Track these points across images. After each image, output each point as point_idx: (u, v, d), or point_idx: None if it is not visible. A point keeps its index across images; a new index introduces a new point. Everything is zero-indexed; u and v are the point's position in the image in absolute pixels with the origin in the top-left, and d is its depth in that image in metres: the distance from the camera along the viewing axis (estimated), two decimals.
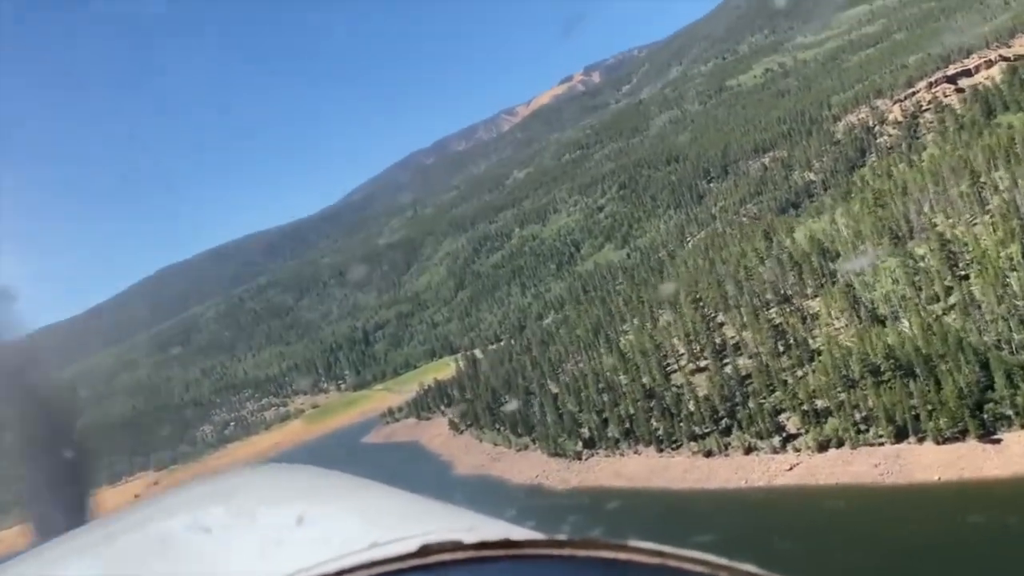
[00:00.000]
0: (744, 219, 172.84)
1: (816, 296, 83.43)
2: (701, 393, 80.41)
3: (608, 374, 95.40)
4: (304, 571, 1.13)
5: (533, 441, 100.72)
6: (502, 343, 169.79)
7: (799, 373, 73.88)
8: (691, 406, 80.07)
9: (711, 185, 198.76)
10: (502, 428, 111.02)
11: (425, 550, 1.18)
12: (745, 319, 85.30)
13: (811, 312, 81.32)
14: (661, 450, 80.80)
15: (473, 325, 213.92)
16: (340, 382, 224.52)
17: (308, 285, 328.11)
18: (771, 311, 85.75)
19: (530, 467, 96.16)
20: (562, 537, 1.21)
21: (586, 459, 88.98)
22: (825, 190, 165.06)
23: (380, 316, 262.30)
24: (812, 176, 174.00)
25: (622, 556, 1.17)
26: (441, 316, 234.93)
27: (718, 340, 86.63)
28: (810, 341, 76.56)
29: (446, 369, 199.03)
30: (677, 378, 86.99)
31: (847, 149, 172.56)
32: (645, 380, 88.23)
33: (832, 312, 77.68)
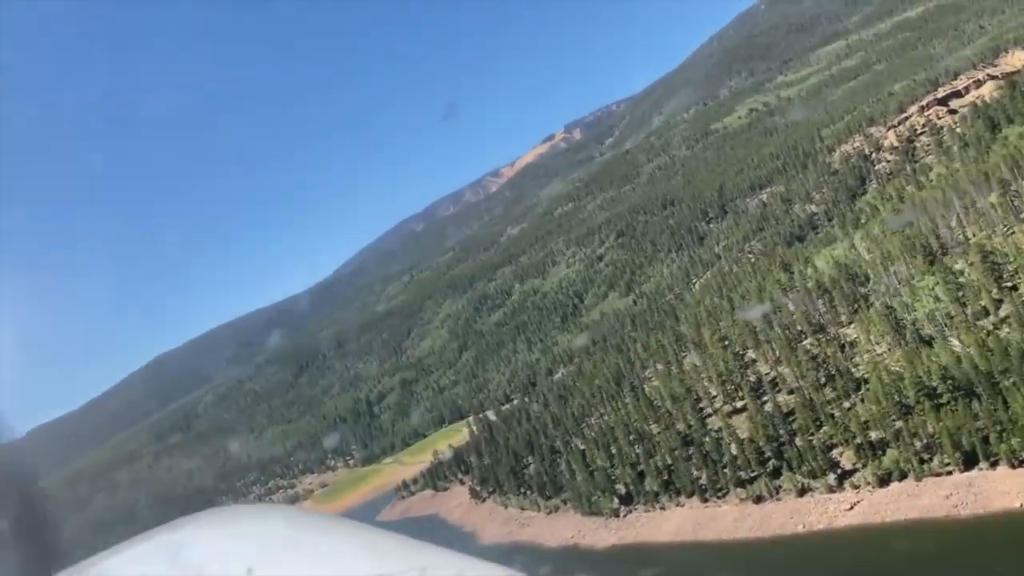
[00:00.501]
0: (750, 256, 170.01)
1: (851, 323, 79.38)
2: (742, 435, 75.55)
3: (637, 424, 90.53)
4: None
5: (564, 502, 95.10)
6: (515, 402, 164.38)
7: (846, 404, 69.27)
8: (733, 450, 75.07)
9: (711, 225, 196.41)
10: (528, 492, 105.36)
11: None
12: (779, 353, 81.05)
13: (848, 340, 77.16)
14: (705, 500, 75.46)
15: (481, 386, 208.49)
16: (348, 458, 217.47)
17: (307, 360, 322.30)
18: (805, 342, 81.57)
19: (563, 529, 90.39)
20: None
21: (624, 516, 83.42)
22: (829, 220, 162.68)
23: (383, 385, 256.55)
24: (814, 208, 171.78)
25: None
26: (447, 379, 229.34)
27: (752, 378, 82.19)
28: (852, 370, 72.18)
29: (457, 435, 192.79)
30: (713, 422, 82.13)
31: (846, 178, 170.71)
32: (679, 427, 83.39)
33: (872, 337, 73.51)
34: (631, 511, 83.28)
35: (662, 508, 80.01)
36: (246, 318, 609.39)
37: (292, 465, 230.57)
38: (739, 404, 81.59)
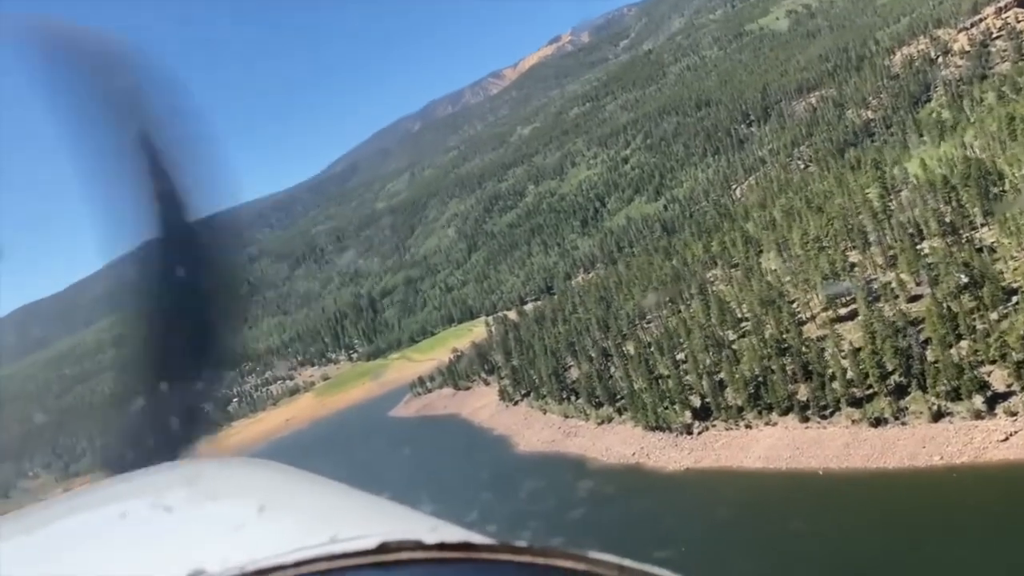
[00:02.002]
0: (799, 161, 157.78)
1: (985, 225, 68.37)
2: (854, 346, 65.19)
3: (710, 329, 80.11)
4: (262, 560, 1.10)
5: (619, 412, 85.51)
6: (540, 302, 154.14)
7: (993, 316, 58.81)
8: (843, 362, 64.87)
9: (751, 129, 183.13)
10: (571, 397, 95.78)
11: (384, 547, 1.16)
12: (892, 254, 70.10)
13: (986, 244, 66.25)
14: (806, 419, 65.66)
15: (493, 287, 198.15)
16: (351, 351, 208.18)
17: (304, 254, 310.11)
18: (923, 245, 70.65)
19: (620, 443, 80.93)
20: (522, 544, 1.19)
21: (699, 433, 73.81)
22: (887, 127, 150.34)
23: (387, 282, 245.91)
24: (870, 114, 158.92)
25: (581, 567, 1.14)
26: (455, 279, 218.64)
27: (860, 282, 71.34)
28: (998, 277, 61.42)
29: (469, 335, 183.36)
30: (810, 330, 71.79)
31: (908, 83, 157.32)
32: (769, 333, 72.90)
33: (1022, 241, 62.58)
34: (707, 428, 73.62)
35: (748, 426, 70.29)
36: (234, 209, 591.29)
37: (289, 356, 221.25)
38: (843, 311, 71.03)
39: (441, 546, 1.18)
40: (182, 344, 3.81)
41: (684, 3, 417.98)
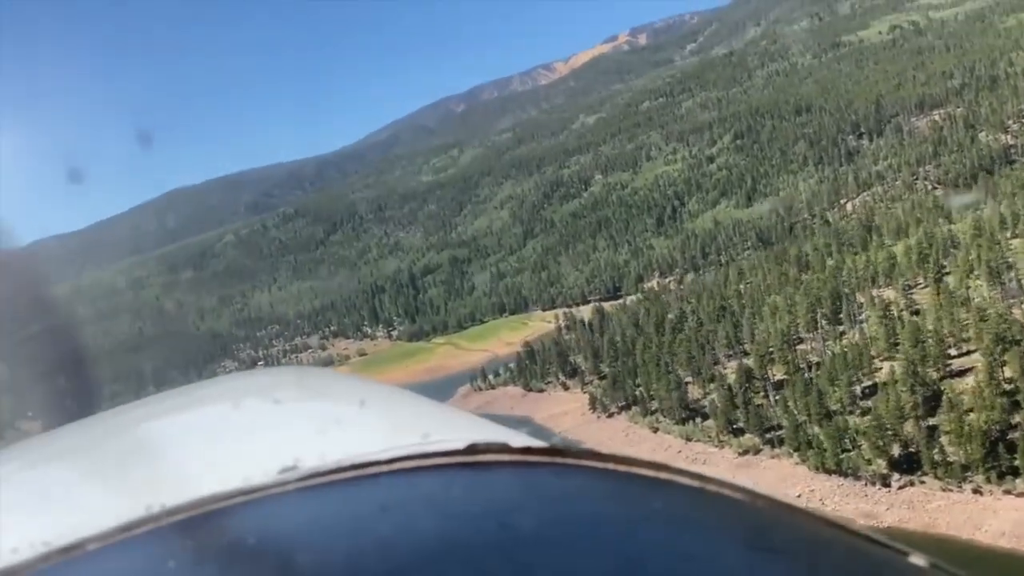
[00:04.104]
0: (925, 182, 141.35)
1: None
2: None
3: (907, 362, 64.15)
4: (356, 456, 1.14)
5: (769, 444, 69.74)
6: (622, 301, 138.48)
7: None
8: None
9: (862, 141, 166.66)
10: (694, 418, 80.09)
11: (472, 448, 1.16)
12: None
13: None
14: None
15: (553, 280, 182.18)
16: (390, 328, 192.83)
17: (342, 219, 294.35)
18: None
19: (776, 480, 65.07)
20: (603, 451, 1.18)
21: (899, 487, 57.92)
22: None
23: (429, 259, 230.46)
24: (1009, 139, 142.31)
25: (663, 476, 1.13)
26: (508, 266, 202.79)
27: None
28: None
29: (523, 328, 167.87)
30: None
31: None
32: (1004, 374, 56.88)
33: None
34: (912, 483, 57.72)
35: (977, 491, 54.33)
36: (268, 168, 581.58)
37: (321, 325, 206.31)
38: None
39: (527, 450, 1.18)
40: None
41: (761, 12, 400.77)
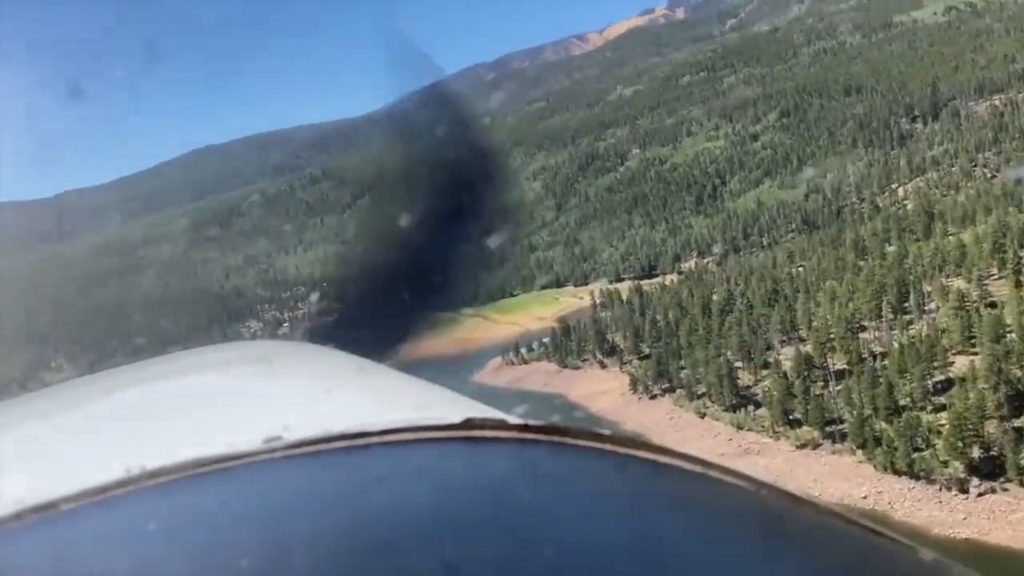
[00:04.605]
0: (984, 169, 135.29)
1: None
2: None
3: (990, 358, 59.77)
4: (346, 426, 1.09)
5: (830, 438, 65.78)
6: (660, 279, 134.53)
7: None
8: None
9: (916, 125, 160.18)
10: (746, 406, 76.27)
11: (469, 423, 1.13)
12: None
13: None
14: None
15: (586, 255, 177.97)
16: None
17: (369, 183, 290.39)
18: None
19: (838, 478, 61.46)
20: (605, 432, 1.16)
21: (979, 494, 53.89)
22: None
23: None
24: None
25: (663, 459, 1.10)
26: (540, 240, 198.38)
27: None
28: None
29: (555, 303, 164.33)
30: None
31: None
32: None
33: None
34: (993, 490, 53.64)
35: None
36: (294, 130, 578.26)
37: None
38: None
39: (525, 427, 1.16)
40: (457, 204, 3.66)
41: None
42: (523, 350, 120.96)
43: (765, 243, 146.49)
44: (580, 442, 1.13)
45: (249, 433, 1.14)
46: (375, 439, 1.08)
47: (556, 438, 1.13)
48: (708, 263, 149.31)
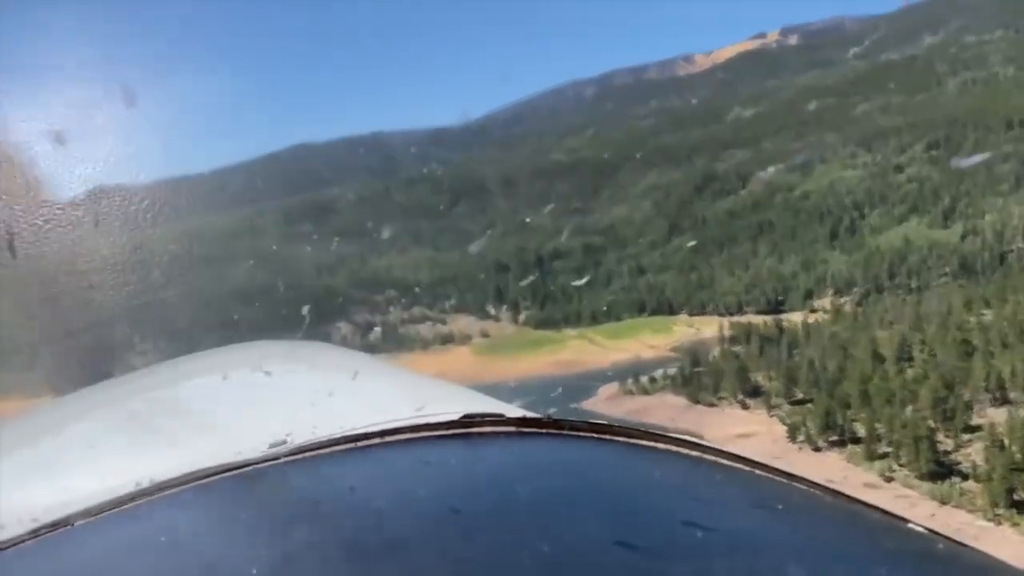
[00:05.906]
0: None
1: None
2: None
3: None
4: (350, 429, 1.10)
5: None
6: (786, 315, 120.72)
7: None
8: None
9: None
10: (952, 477, 62.25)
11: (467, 420, 1.13)
12: None
13: None
14: None
15: (704, 284, 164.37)
16: (515, 312, 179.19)
17: (466, 191, 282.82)
18: None
19: None
20: (604, 423, 1.14)
21: None
22: None
23: (558, 242, 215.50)
24: None
25: (661, 446, 1.11)
26: (651, 262, 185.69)
27: None
28: None
29: (667, 332, 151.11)
30: None
31: None
32: None
33: None
34: None
35: None
36: (390, 135, 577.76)
37: (440, 297, 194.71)
38: None
39: (523, 420, 1.16)
40: None
41: (937, 20, 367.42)
42: (643, 379, 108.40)
43: (913, 286, 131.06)
44: (577, 433, 1.14)
45: (256, 439, 1.16)
46: (377, 440, 1.10)
47: (554, 430, 1.15)
48: (845, 303, 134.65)
